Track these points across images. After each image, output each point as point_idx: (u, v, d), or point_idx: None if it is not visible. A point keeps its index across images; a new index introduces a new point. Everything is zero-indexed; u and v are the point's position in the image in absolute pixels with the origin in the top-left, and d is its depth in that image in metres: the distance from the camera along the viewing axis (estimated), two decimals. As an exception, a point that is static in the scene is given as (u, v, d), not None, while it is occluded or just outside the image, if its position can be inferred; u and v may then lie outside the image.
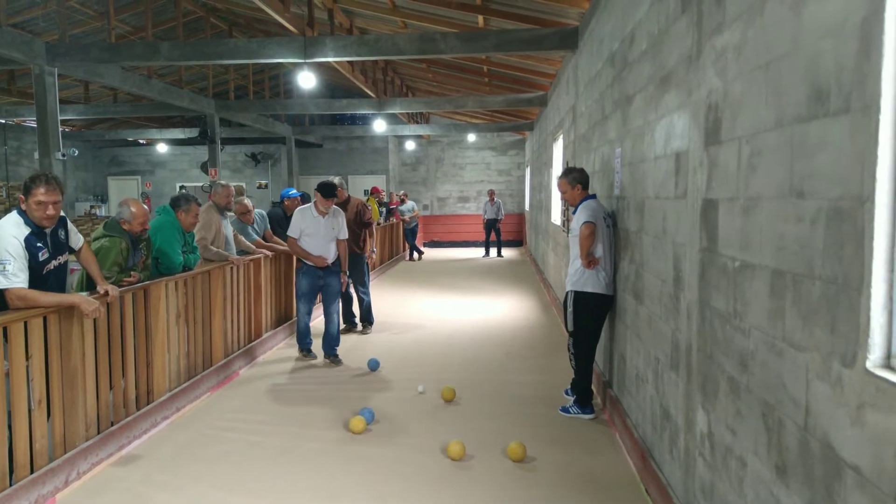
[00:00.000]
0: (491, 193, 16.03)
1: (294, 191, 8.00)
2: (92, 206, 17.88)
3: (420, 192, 20.11)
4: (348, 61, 9.17)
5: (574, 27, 6.59)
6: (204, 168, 13.33)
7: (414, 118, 16.87)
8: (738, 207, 2.28)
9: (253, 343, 6.25)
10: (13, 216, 3.45)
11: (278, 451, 4.07)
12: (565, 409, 4.68)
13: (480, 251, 16.97)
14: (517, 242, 19.04)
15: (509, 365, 6.01)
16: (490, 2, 7.04)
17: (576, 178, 4.60)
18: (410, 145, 19.66)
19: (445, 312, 8.71)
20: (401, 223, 15.35)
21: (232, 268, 5.86)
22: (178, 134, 16.52)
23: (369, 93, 11.44)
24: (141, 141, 19.18)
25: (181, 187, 19.27)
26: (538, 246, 13.01)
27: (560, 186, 4.75)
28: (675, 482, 3.03)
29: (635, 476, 3.65)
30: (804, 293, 1.80)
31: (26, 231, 3.40)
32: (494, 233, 16.03)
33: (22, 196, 3.47)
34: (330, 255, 6.06)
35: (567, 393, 4.91)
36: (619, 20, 4.43)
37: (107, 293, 3.83)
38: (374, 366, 5.84)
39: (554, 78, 9.66)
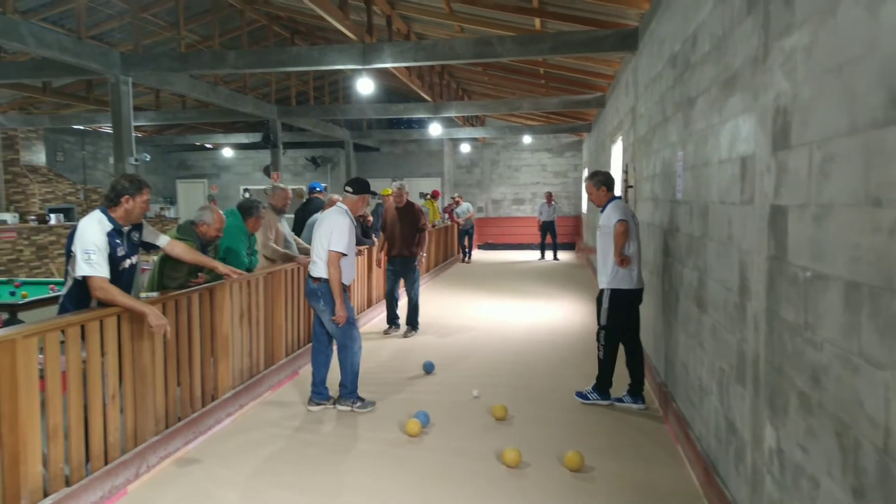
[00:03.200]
0: (548, 195, 15.90)
1: (321, 185, 8.14)
2: (162, 208, 18.63)
3: (475, 194, 20.12)
4: (405, 66, 9.27)
5: (633, 28, 6.47)
6: (266, 171, 13.68)
7: (469, 121, 16.90)
8: (809, 215, 2.19)
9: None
10: (97, 214, 3.62)
11: (334, 450, 4.15)
12: (582, 395, 4.97)
13: (535, 254, 16.85)
14: (572, 245, 18.81)
15: (564, 371, 5.95)
16: (547, 4, 6.99)
17: (601, 181, 4.92)
18: (465, 148, 19.69)
19: (499, 315, 8.68)
20: (455, 225, 15.40)
21: (293, 268, 6.00)
22: (243, 139, 17.05)
23: (426, 97, 11.52)
24: (207, 145, 19.87)
25: (245, 190, 19.87)
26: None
27: (587, 189, 5.06)
28: (741, 499, 2.94)
29: (698, 490, 3.55)
30: (883, 307, 1.71)
31: (108, 227, 3.58)
32: (550, 235, 15.89)
33: (127, 197, 3.62)
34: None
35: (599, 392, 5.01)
36: (681, 21, 4.33)
37: (229, 275, 4.33)
38: (429, 368, 5.88)
39: (612, 79, 9.50)
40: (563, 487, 3.58)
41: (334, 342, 4.97)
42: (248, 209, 5.31)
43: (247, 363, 5.14)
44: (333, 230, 4.68)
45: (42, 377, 3.09)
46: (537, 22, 7.58)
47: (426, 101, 12.07)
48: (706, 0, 3.64)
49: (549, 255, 16.22)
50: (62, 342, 3.24)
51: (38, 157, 14.37)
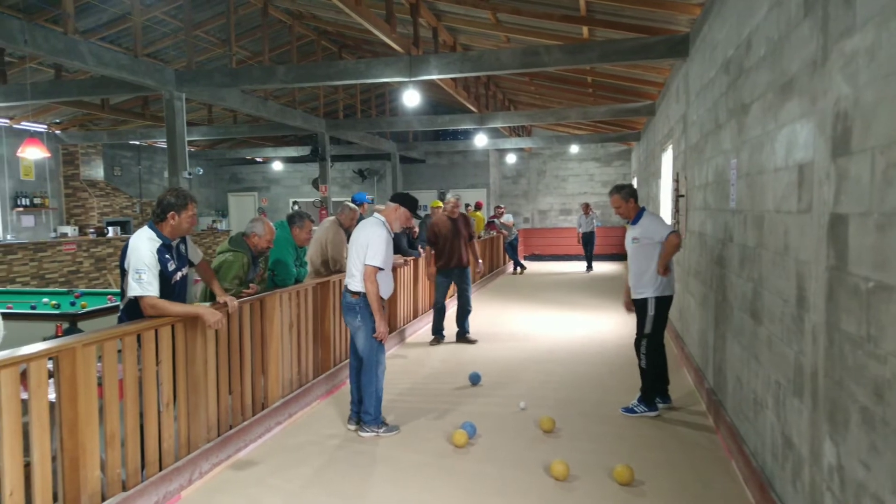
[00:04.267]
0: (585, 206, 15.68)
1: (366, 196, 8.16)
2: (214, 221, 19.15)
3: (521, 204, 20.04)
4: (451, 78, 9.32)
5: (684, 34, 6.36)
6: (315, 184, 13.96)
7: (515, 131, 16.87)
8: (871, 223, 2.10)
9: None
10: (146, 231, 3.73)
11: (382, 460, 4.16)
12: (629, 409, 4.89)
13: (583, 265, 16.62)
14: (623, 256, 18.49)
15: (612, 384, 5.84)
16: (595, 12, 6.93)
17: (629, 193, 5.00)
18: (511, 158, 19.65)
19: (547, 327, 8.59)
20: (501, 236, 15.34)
21: (340, 279, 6.07)
22: (292, 152, 17.41)
23: (471, 108, 11.56)
24: (258, 159, 20.36)
25: (294, 202, 20.27)
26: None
27: (613, 202, 5.09)
28: (799, 518, 2.82)
29: (753, 508, 3.42)
30: (953, 320, 1.62)
31: (158, 243, 3.68)
32: (590, 247, 15.66)
33: (173, 213, 3.71)
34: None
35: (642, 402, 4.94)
36: (734, 26, 4.22)
37: (226, 304, 4.07)
38: (475, 379, 5.85)
39: (662, 87, 9.35)
40: (612, 501, 3.51)
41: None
42: (291, 217, 5.41)
43: (295, 373, 5.21)
44: (370, 243, 4.49)
45: (100, 384, 3.20)
46: (585, 30, 7.52)
47: (472, 112, 12.11)
48: (761, 3, 3.55)
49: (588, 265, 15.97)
50: (119, 351, 3.35)
51: (97, 171, 14.96)
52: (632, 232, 4.96)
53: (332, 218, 6.38)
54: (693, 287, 6.04)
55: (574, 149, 19.02)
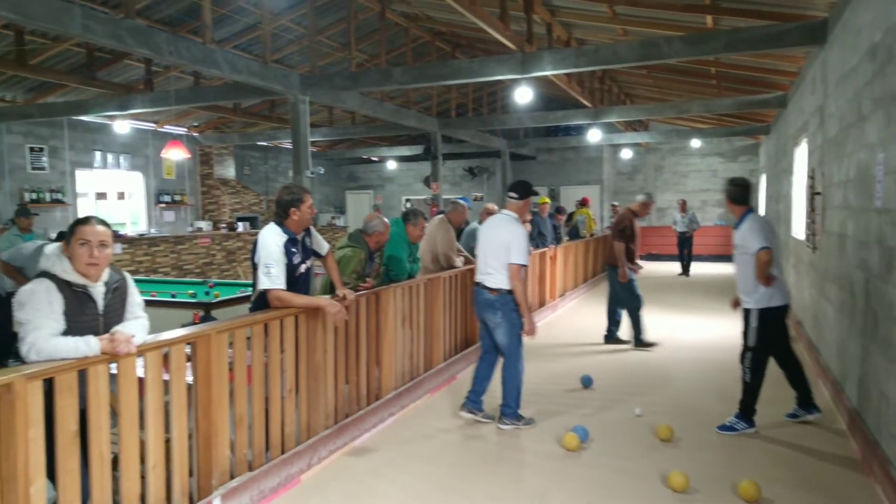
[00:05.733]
0: (682, 203, 14.76)
1: (468, 199, 8.14)
2: (332, 217, 20.00)
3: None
4: (565, 73, 9.15)
5: (822, 19, 5.86)
6: (426, 182, 14.21)
7: (631, 125, 16.32)
8: None
9: (469, 349, 6.49)
10: (272, 227, 3.94)
11: (491, 457, 4.16)
12: (727, 427, 4.55)
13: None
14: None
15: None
16: (720, 0, 6.55)
17: (731, 195, 4.60)
18: (627, 154, 19.00)
19: (667, 330, 8.23)
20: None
21: (450, 276, 6.14)
22: (405, 151, 17.83)
23: (585, 103, 11.30)
24: (373, 158, 21.04)
25: (406, 200, 20.77)
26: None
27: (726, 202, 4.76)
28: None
29: (900, 538, 3.10)
30: None
31: (284, 238, 3.89)
32: (686, 248, 14.66)
33: (294, 209, 3.90)
34: None
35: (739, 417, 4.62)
36: (883, 7, 3.84)
37: (345, 297, 4.22)
38: (587, 382, 5.72)
39: (795, 77, 8.69)
40: (735, 520, 3.30)
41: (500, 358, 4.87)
42: (405, 215, 5.53)
43: (407, 366, 5.32)
44: (512, 241, 4.53)
45: (230, 369, 3.43)
46: (709, 19, 7.12)
47: (586, 107, 11.84)
48: (916, -20, 3.20)
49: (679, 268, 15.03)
50: (248, 338, 3.57)
51: (229, 171, 16.06)
52: (734, 237, 4.63)
53: (441, 216, 6.47)
54: (830, 292, 5.56)
55: (696, 143, 18.10)
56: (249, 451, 3.55)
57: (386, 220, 5.01)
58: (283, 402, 3.81)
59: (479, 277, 4.77)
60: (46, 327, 2.51)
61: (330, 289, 4.71)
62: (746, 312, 4.56)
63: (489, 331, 4.81)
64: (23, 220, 7.67)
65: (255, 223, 15.94)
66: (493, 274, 4.63)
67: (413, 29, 11.10)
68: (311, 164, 8.74)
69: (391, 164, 20.92)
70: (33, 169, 11.58)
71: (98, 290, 2.74)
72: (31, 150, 11.54)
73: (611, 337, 7.46)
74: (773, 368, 4.62)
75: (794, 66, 8.27)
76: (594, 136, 15.06)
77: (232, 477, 3.40)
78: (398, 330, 5.15)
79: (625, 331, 7.53)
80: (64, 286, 2.62)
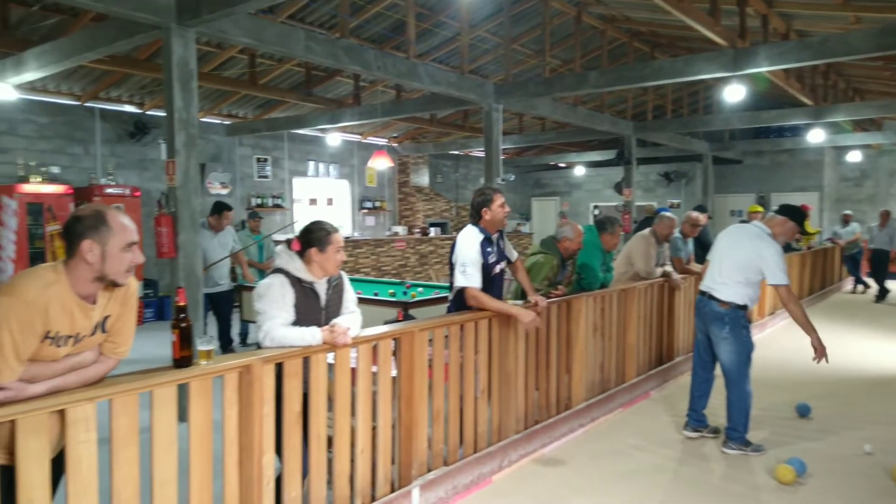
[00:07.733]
0: (883, 215, 12.28)
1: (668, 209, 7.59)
2: (518, 224, 20.17)
3: (865, 211, 16.97)
4: (783, 69, 8.33)
5: None
6: (617, 188, 13.75)
7: (861, 125, 14.42)
8: None
9: (665, 365, 6.14)
10: (470, 229, 4.04)
11: (689, 482, 3.89)
12: None
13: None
14: None
15: None
16: None
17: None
18: (855, 157, 16.76)
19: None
20: (837, 248, 13.21)
21: (646, 287, 5.86)
22: (595, 157, 17.45)
23: (806, 100, 10.20)
24: (561, 165, 20.87)
25: (595, 206, 20.29)
26: None
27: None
28: None
29: None
30: None
31: (480, 237, 3.98)
32: (878, 266, 12.07)
33: (485, 209, 4.00)
34: None
35: None
36: None
37: (536, 303, 4.20)
38: (803, 411, 5.12)
39: None
40: None
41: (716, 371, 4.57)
42: (603, 225, 5.37)
43: (598, 377, 5.17)
44: (768, 258, 4.16)
45: (430, 366, 3.57)
46: (969, -3, 6.08)
47: (805, 105, 10.69)
48: None
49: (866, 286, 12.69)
50: (445, 337, 3.70)
51: (423, 179, 16.91)
52: None
53: (646, 231, 6.15)
54: None
55: (942, 145, 15.52)
56: (444, 446, 3.67)
57: (579, 226, 4.91)
58: (477, 401, 3.89)
59: (707, 286, 4.47)
60: (279, 317, 2.82)
61: (521, 294, 4.73)
62: None
63: (710, 345, 4.51)
64: (252, 222, 8.69)
65: (446, 228, 16.59)
66: (727, 285, 4.34)
67: (609, 31, 10.82)
68: (501, 172, 8.88)
69: (579, 170, 20.57)
70: (259, 177, 13.12)
71: (322, 287, 3.01)
72: (258, 160, 13.10)
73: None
74: None
75: None
76: (816, 136, 13.51)
77: (429, 470, 3.54)
78: (589, 339, 5.02)
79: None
80: (295, 282, 2.92)
